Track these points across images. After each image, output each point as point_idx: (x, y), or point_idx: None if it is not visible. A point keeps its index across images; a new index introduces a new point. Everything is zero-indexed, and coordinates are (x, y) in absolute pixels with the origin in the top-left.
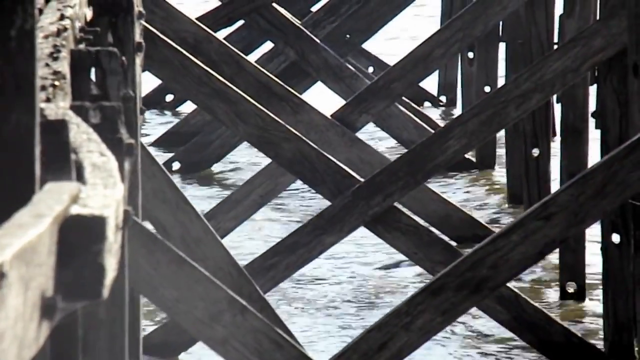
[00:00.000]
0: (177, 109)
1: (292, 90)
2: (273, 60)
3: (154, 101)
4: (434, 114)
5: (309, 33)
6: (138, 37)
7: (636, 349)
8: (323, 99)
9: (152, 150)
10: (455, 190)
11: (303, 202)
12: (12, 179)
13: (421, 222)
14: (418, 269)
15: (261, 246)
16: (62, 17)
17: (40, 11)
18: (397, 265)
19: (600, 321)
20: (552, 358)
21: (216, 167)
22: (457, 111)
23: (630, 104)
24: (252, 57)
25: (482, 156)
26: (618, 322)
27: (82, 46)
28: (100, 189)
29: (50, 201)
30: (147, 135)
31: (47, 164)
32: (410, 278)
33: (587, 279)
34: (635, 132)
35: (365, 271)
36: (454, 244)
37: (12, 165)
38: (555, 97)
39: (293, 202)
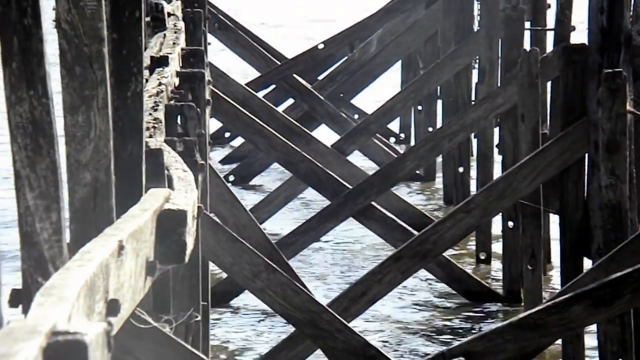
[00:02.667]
0: (231, 143)
1: (306, 130)
2: (293, 111)
3: (217, 137)
4: (397, 145)
5: (316, 93)
6: (207, 96)
7: (522, 293)
8: (326, 135)
9: (216, 168)
10: (410, 194)
11: (313, 202)
12: (128, 187)
13: (389, 214)
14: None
15: (285, 230)
16: (160, 84)
17: (147, 80)
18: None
19: (501, 276)
20: (471, 300)
21: (256, 180)
22: (411, 143)
23: (519, 139)
24: (280, 108)
25: (427, 172)
26: (512, 277)
27: (172, 102)
28: (183, 193)
29: (152, 200)
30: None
31: (149, 177)
32: (380, 251)
33: (492, 250)
34: (522, 157)
35: (354, 247)
36: (409, 228)
37: (128, 178)
38: (473, 134)
39: (306, 200)
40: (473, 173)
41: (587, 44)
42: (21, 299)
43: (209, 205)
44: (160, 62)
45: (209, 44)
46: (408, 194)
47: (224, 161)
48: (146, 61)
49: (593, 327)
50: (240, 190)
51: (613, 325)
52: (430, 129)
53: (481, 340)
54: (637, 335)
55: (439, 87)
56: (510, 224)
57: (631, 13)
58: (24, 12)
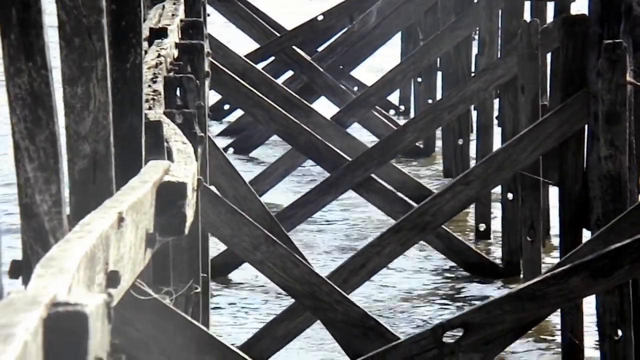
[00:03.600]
0: (231, 114)
1: (305, 102)
2: (293, 83)
3: (217, 109)
4: (396, 118)
5: (316, 65)
6: (206, 68)
7: (521, 264)
8: (325, 107)
9: (215, 140)
10: (409, 167)
11: (312, 174)
12: (127, 159)
13: (388, 187)
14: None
15: (285, 202)
16: (159, 56)
17: (145, 52)
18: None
19: (500, 248)
20: (470, 272)
21: (256, 152)
22: (411, 115)
23: (519, 111)
24: (280, 80)
25: (426, 144)
26: (511, 249)
27: (171, 74)
28: (183, 165)
29: (151, 172)
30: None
31: (149, 149)
32: (380, 223)
33: (492, 222)
34: (522, 129)
35: (353, 221)
36: (409, 200)
37: (128, 150)
38: (472, 106)
39: (306, 172)
40: (472, 145)
41: (587, 14)
42: (21, 270)
43: (208, 177)
44: (159, 33)
45: (208, 15)
46: (407, 166)
47: (223, 133)
48: (145, 33)
49: (592, 298)
50: (240, 162)
51: (612, 296)
52: (430, 101)
53: (479, 311)
54: (635, 306)
55: (438, 59)
56: (510, 195)
57: None
58: None
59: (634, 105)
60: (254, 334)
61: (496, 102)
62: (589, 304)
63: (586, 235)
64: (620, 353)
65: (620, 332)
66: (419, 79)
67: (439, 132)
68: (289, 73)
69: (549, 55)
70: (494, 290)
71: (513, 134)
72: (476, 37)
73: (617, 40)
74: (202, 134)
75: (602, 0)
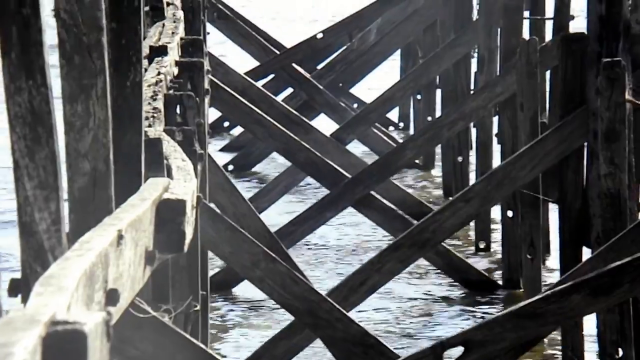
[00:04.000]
0: (230, 132)
1: (305, 119)
2: (292, 100)
3: (217, 126)
4: (395, 134)
5: (315, 82)
6: (206, 85)
7: (521, 282)
8: (325, 124)
9: (215, 157)
10: (409, 183)
11: (313, 191)
12: (127, 176)
13: (388, 204)
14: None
15: (284, 219)
16: (159, 73)
17: (145, 69)
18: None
19: (499, 266)
20: (470, 289)
21: (256, 169)
22: (410, 132)
23: (518, 129)
24: (279, 98)
25: (426, 161)
26: (511, 266)
27: (171, 91)
28: (182, 182)
29: (151, 190)
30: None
31: (148, 166)
32: (380, 239)
33: (492, 239)
34: (521, 146)
35: (353, 240)
36: (408, 217)
37: (127, 167)
38: (472, 124)
39: (306, 190)
40: (472, 162)
41: (586, 32)
42: (20, 288)
43: (208, 194)
44: (159, 51)
45: (208, 33)
46: (407, 183)
47: (223, 150)
48: (145, 50)
49: (592, 316)
50: (240, 179)
51: (612, 314)
52: (430, 118)
53: (480, 329)
54: (636, 324)
55: (438, 76)
56: (510, 213)
57: (630, 2)
58: (23, 1)
59: (633, 123)
60: (254, 352)
61: (495, 119)
62: (590, 322)
63: (586, 253)
64: None
65: (621, 351)
66: (418, 96)
67: (438, 149)
68: (289, 90)
69: (548, 73)
70: (494, 308)
71: (512, 152)
72: (475, 54)
73: (615, 59)
74: (202, 151)
75: (600, 19)
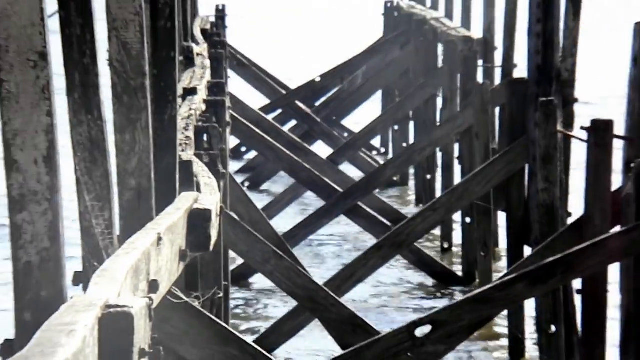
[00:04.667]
0: (246, 156)
1: (306, 145)
2: (296, 130)
3: (235, 151)
4: (378, 157)
5: (314, 116)
6: (228, 119)
7: (477, 274)
8: (322, 149)
9: (234, 176)
10: (389, 196)
11: (312, 203)
12: (165, 191)
13: (372, 212)
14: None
15: (289, 225)
16: (190, 109)
17: (180, 106)
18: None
19: (460, 261)
20: (436, 280)
21: (267, 185)
22: (389, 156)
23: (474, 153)
24: (285, 128)
25: (402, 178)
26: (468, 261)
27: (200, 123)
28: (208, 195)
29: (184, 201)
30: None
31: (182, 183)
32: (365, 241)
33: (453, 241)
34: (477, 167)
35: (344, 241)
36: (388, 223)
37: (165, 184)
38: (438, 149)
39: (307, 202)
40: (438, 179)
41: (527, 78)
42: (81, 279)
43: (229, 205)
44: (190, 92)
45: (229, 77)
46: (387, 195)
47: (240, 171)
48: (179, 91)
49: (532, 300)
50: (254, 193)
51: (547, 299)
52: (404, 145)
53: (444, 311)
54: (565, 307)
55: (411, 112)
56: (468, 219)
57: (560, 54)
58: (84, 53)
59: (563, 149)
60: (266, 329)
61: (456, 145)
62: (530, 305)
63: (527, 251)
64: (553, 344)
65: (553, 328)
66: (396, 127)
67: (412, 170)
68: (293, 122)
69: (497, 110)
70: (456, 295)
71: (470, 171)
72: (440, 95)
73: (549, 98)
74: (224, 171)
75: (538, 67)
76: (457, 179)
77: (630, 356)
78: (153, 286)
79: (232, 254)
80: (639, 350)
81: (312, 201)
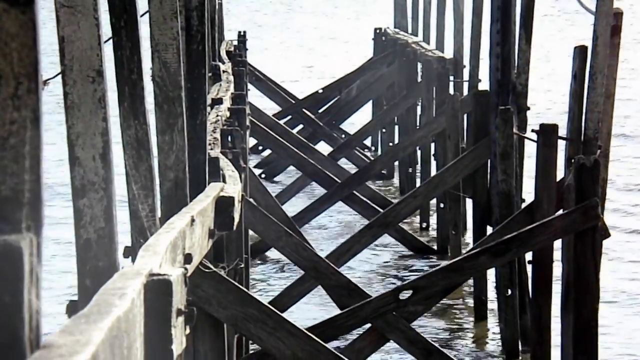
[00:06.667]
0: (262, 153)
1: (311, 144)
2: (303, 132)
3: (254, 149)
4: (369, 154)
5: (317, 121)
6: (247, 123)
7: (449, 249)
8: (324, 148)
9: (253, 169)
10: (378, 186)
11: (316, 191)
12: (197, 182)
13: (364, 199)
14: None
15: (298, 209)
16: (217, 116)
17: (209, 113)
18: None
19: (435, 238)
20: (416, 253)
21: (279, 177)
22: (378, 153)
23: (447, 151)
24: (294, 131)
25: (388, 171)
26: (442, 238)
27: (225, 127)
28: (232, 185)
29: (212, 190)
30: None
31: (210, 175)
32: (359, 221)
33: (430, 222)
34: (449, 162)
35: (342, 222)
36: (377, 207)
37: (196, 176)
38: (418, 147)
39: (312, 191)
40: (418, 172)
41: (488, 90)
42: (130, 252)
43: (248, 193)
44: (217, 101)
45: (249, 90)
46: (377, 185)
47: (257, 165)
48: (209, 101)
49: (492, 270)
50: (268, 183)
51: (504, 269)
52: (391, 144)
53: (423, 279)
54: (519, 274)
55: (396, 117)
56: (442, 205)
57: (515, 71)
58: (132, 70)
59: (518, 148)
60: (278, 294)
61: (433, 145)
62: (491, 273)
63: (489, 230)
64: (509, 304)
65: (510, 291)
66: (384, 130)
67: (397, 164)
68: (300, 126)
69: (465, 116)
70: (432, 265)
71: (443, 165)
72: (419, 103)
73: (507, 107)
74: (245, 165)
75: (497, 81)
76: (433, 171)
77: (569, 312)
78: (187, 258)
79: (251, 232)
80: (576, 307)
81: (315, 190)
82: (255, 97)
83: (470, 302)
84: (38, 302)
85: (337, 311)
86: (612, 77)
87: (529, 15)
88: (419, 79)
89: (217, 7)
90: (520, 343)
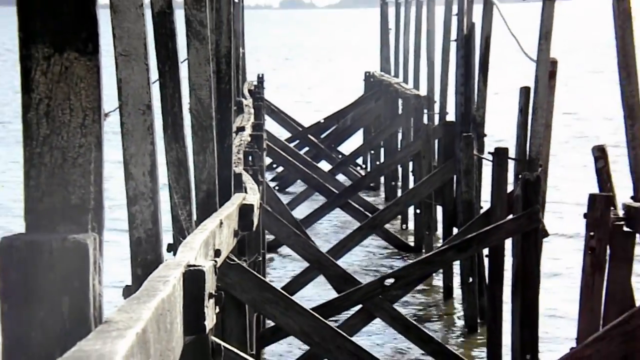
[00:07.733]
0: (276, 170)
1: (314, 163)
2: (308, 153)
3: (269, 167)
4: (361, 171)
5: (320, 144)
6: (264, 146)
7: (423, 246)
8: (324, 166)
9: (268, 183)
10: (368, 196)
11: (319, 200)
12: (224, 193)
13: (357, 206)
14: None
15: (304, 214)
16: (240, 140)
17: (234, 138)
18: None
19: (413, 238)
20: (398, 249)
21: (289, 189)
22: (368, 170)
23: (422, 168)
24: (302, 152)
25: (376, 184)
26: (418, 237)
27: (247, 149)
28: (252, 195)
29: (236, 199)
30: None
31: (235, 187)
32: (352, 225)
33: (409, 224)
34: (424, 176)
35: (338, 225)
36: (367, 212)
37: (224, 188)
38: (399, 165)
39: (315, 200)
40: (399, 185)
41: (454, 121)
42: (172, 249)
43: (265, 201)
44: (241, 129)
45: (265, 120)
46: (367, 196)
47: (272, 179)
48: (234, 129)
49: (457, 262)
50: (281, 194)
51: (467, 261)
52: (378, 163)
53: (403, 269)
54: (478, 266)
55: (382, 142)
56: (418, 210)
57: (475, 106)
58: (174, 105)
59: (477, 166)
60: (288, 281)
61: (411, 163)
62: (457, 266)
63: (455, 230)
64: (471, 289)
65: (471, 279)
66: (372, 152)
67: (382, 179)
68: (306, 148)
69: (437, 141)
70: (409, 259)
71: (419, 180)
72: (400, 131)
73: (468, 134)
74: (262, 180)
75: (461, 114)
76: (412, 184)
77: (517, 296)
78: (217, 253)
79: (267, 233)
80: (522, 292)
81: (318, 198)
82: (271, 125)
83: (440, 287)
84: (100, 286)
85: (335, 295)
86: (550, 111)
87: (485, 62)
88: (400, 112)
89: (241, 55)
90: (478, 319)
